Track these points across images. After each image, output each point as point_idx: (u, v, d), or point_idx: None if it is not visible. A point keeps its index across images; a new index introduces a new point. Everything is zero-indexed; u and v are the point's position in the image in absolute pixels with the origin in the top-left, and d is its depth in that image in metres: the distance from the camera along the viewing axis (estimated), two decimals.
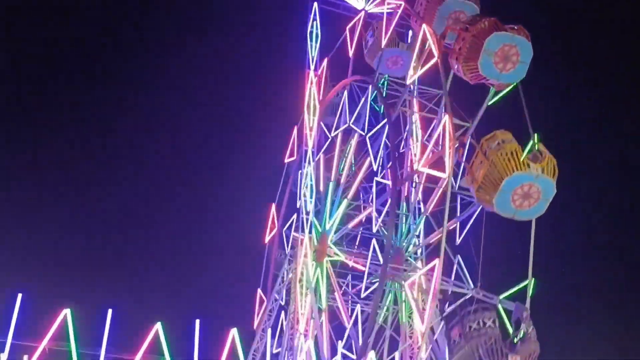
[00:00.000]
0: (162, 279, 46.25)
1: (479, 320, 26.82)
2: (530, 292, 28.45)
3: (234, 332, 19.05)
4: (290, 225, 38.73)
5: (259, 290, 40.17)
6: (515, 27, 28.75)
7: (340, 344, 21.30)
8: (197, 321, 18.68)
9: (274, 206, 41.27)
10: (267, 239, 41.15)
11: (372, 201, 36.55)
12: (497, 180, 27.91)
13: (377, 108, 36.45)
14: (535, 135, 28.88)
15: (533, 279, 28.80)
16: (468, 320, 26.66)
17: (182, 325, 20.45)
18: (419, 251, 34.38)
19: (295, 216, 38.10)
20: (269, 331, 24.06)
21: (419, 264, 34.13)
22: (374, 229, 35.11)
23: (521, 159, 27.47)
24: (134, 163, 52.04)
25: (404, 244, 34.34)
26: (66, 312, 17.22)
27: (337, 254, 34.96)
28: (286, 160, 41.43)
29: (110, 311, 17.84)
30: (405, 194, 35.35)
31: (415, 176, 33.77)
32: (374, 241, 34.83)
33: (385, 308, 32.85)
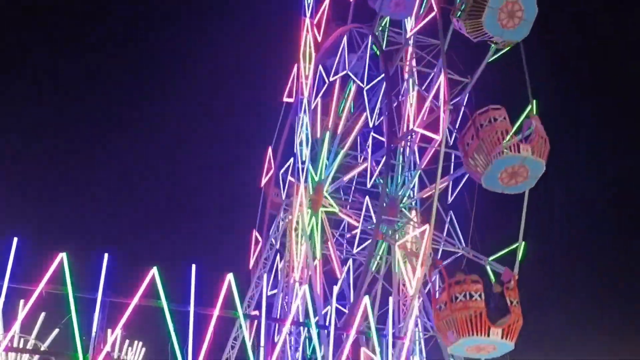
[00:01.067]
0: (158, 223, 46.38)
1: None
2: (519, 256, 28.74)
3: (230, 277, 19.11)
4: (287, 169, 38.74)
5: (255, 231, 40.38)
6: None
7: (335, 289, 21.33)
8: (193, 266, 18.73)
9: (270, 149, 41.23)
10: (263, 182, 41.21)
11: (368, 155, 36.61)
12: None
13: (376, 52, 36.04)
14: (534, 102, 28.89)
15: (523, 242, 29.05)
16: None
17: (178, 269, 20.52)
18: (413, 203, 34.51)
19: (292, 160, 38.06)
20: (265, 276, 24.13)
21: (412, 215, 34.30)
22: (369, 184, 35.23)
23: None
24: (130, 109, 51.76)
25: (399, 194, 34.45)
26: (62, 256, 17.22)
27: (331, 206, 35.11)
28: (284, 99, 41.15)
29: (106, 255, 17.86)
30: (401, 148, 35.31)
31: (410, 135, 33.90)
32: (367, 199, 34.98)
33: (378, 257, 33.10)
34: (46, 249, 18.92)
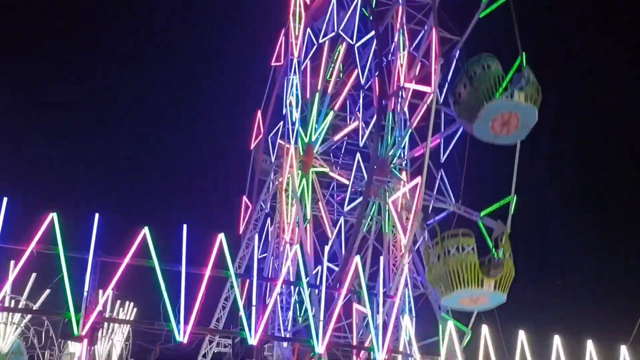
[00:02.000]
0: (148, 184, 46.24)
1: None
2: (512, 209, 28.83)
3: (221, 237, 19.12)
4: (277, 133, 38.63)
5: (244, 197, 40.38)
6: None
7: (326, 249, 21.41)
8: (185, 226, 18.72)
9: (259, 112, 41.05)
10: (252, 145, 41.09)
11: (359, 112, 36.48)
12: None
13: (366, 14, 35.75)
14: (523, 54, 28.69)
15: (515, 196, 29.11)
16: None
17: (169, 230, 20.51)
18: (404, 163, 34.51)
19: (281, 123, 37.92)
20: (256, 237, 24.18)
21: (403, 175, 34.33)
22: (361, 143, 35.16)
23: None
24: (121, 66, 51.20)
25: (389, 155, 34.41)
26: (52, 215, 17.14)
27: (322, 166, 35.09)
28: (273, 63, 40.84)
29: (97, 215, 17.80)
30: (392, 107, 35.16)
31: (402, 91, 33.71)
32: (358, 156, 34.95)
33: (369, 218, 33.20)
34: (36, 209, 18.83)
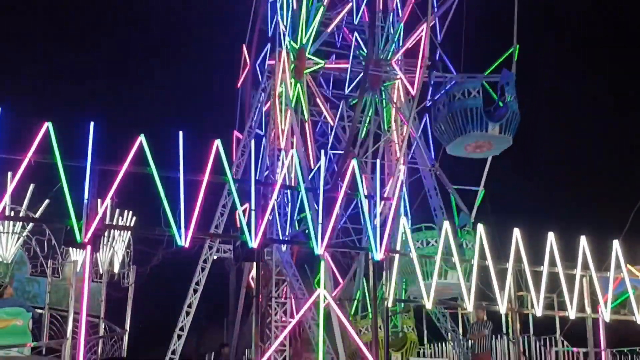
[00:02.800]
0: (143, 91, 45.84)
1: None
2: (515, 57, 28.85)
3: (217, 143, 19.11)
4: (264, 59, 38.14)
5: (235, 131, 40.21)
6: None
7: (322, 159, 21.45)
8: (181, 133, 18.67)
9: (244, 47, 40.43)
10: (239, 83, 40.54)
11: None
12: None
13: None
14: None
15: (517, 45, 29.02)
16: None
17: (164, 138, 20.46)
18: (398, 56, 34.26)
19: (268, 46, 37.38)
20: (252, 142, 24.19)
21: (398, 70, 34.16)
22: (356, 21, 34.78)
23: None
24: None
25: (384, 51, 34.17)
26: (47, 125, 17.03)
27: (316, 63, 34.84)
28: None
29: (92, 124, 17.69)
30: (380, 7, 34.60)
31: None
32: (355, 35, 34.65)
33: (367, 120, 33.30)
34: (31, 119, 18.70)
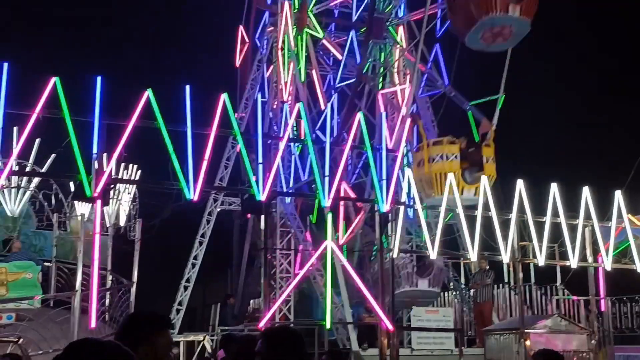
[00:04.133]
0: (148, 46, 45.50)
1: None
2: (499, 106, 28.97)
3: (224, 97, 19.16)
4: (262, 32, 37.75)
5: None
6: None
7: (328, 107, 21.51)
8: (187, 87, 18.71)
9: (241, 27, 39.90)
10: (238, 62, 40.05)
11: None
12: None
13: None
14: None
15: (504, 94, 29.10)
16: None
17: (170, 93, 20.50)
18: (401, 26, 34.12)
19: (266, 13, 36.97)
20: (259, 96, 24.18)
21: (400, 34, 34.00)
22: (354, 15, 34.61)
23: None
24: None
25: (386, 11, 33.90)
26: (55, 80, 17.04)
27: (315, 28, 34.66)
28: None
29: (99, 79, 17.71)
30: None
31: None
32: (352, 34, 34.51)
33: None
34: (37, 74, 18.69)
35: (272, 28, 36.13)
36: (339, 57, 34.96)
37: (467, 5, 26.91)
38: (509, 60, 29.03)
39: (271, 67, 36.29)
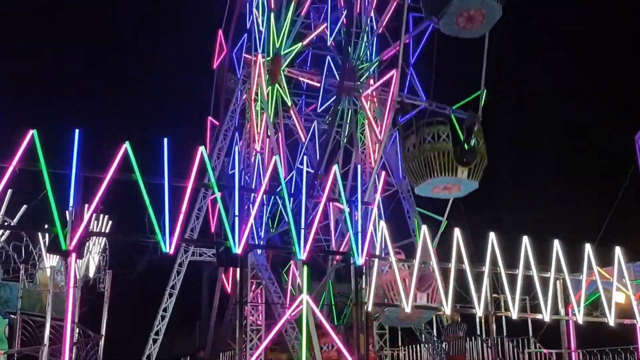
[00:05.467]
0: (126, 99, 45.53)
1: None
2: (482, 102, 29.55)
3: (202, 150, 19.20)
4: (240, 48, 38.18)
5: (210, 118, 40.16)
6: None
7: (305, 159, 21.66)
8: (165, 139, 18.72)
9: (220, 32, 40.39)
10: (215, 64, 40.49)
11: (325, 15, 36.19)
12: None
13: None
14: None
15: (485, 90, 29.74)
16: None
17: (146, 145, 20.47)
18: (373, 68, 34.62)
19: (245, 36, 37.44)
20: (237, 148, 24.26)
21: (372, 81, 34.53)
22: (329, 42, 35.12)
23: None
24: None
25: (358, 62, 34.44)
26: (32, 132, 16.93)
27: (291, 72, 35.04)
28: None
29: (77, 131, 17.63)
30: (358, 10, 34.95)
31: None
32: (328, 58, 35.00)
33: (346, 129, 33.57)
34: (12, 125, 18.57)
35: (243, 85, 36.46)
36: (317, 85, 35.21)
37: None
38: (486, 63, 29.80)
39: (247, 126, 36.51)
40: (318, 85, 35.09)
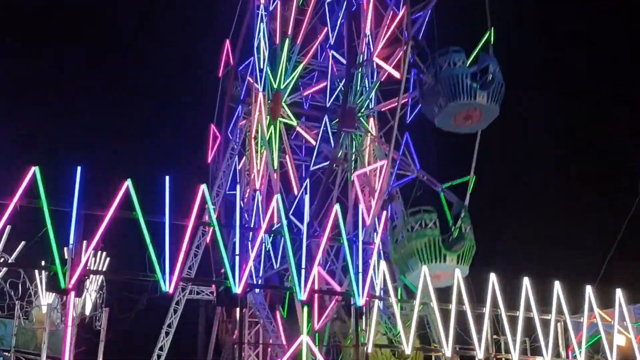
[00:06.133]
0: (129, 136, 45.65)
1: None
2: (470, 188, 29.84)
3: (203, 188, 19.13)
4: (247, 66, 38.18)
5: (213, 126, 40.10)
6: None
7: (306, 198, 21.61)
8: (167, 177, 18.67)
9: (228, 42, 40.45)
10: (221, 72, 40.43)
11: (328, 74, 36.53)
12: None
13: None
14: (492, 29, 29.05)
15: (474, 176, 30.09)
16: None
17: (150, 181, 20.44)
18: (371, 113, 34.87)
19: (252, 59, 37.51)
20: (238, 187, 24.23)
21: (370, 123, 34.72)
22: (327, 104, 35.43)
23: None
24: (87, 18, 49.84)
25: (357, 103, 34.64)
26: (35, 170, 16.89)
27: (289, 117, 35.23)
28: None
29: (79, 168, 17.59)
30: (362, 49, 35.15)
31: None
32: (325, 119, 35.23)
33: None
34: (14, 163, 18.54)
35: (244, 122, 36.54)
36: (313, 142, 35.44)
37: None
38: (479, 144, 30.00)
39: (243, 158, 36.55)
40: (313, 142, 35.50)
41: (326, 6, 35.84)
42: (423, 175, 32.11)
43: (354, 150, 34.67)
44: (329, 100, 36.19)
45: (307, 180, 33.38)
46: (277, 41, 36.48)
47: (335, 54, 36.33)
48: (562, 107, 45.40)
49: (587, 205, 41.82)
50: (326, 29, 36.29)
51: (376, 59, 32.82)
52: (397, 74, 30.77)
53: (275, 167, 34.78)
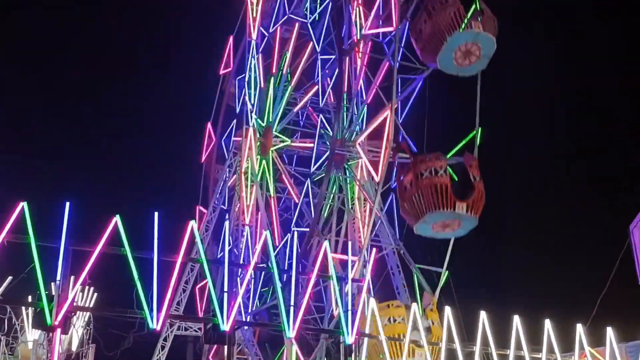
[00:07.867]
0: (118, 172, 45.68)
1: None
2: (477, 141, 29.54)
3: (192, 224, 19.06)
4: (230, 134, 38.60)
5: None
6: None
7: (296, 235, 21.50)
8: (156, 213, 18.58)
9: (209, 125, 40.88)
10: (203, 157, 40.74)
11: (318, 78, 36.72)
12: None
13: None
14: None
15: (480, 128, 29.80)
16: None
17: (139, 217, 20.33)
18: (361, 138, 34.92)
19: (234, 122, 37.89)
20: (227, 224, 24.12)
21: (361, 151, 34.80)
22: (321, 103, 35.55)
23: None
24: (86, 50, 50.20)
25: (346, 134, 34.76)
26: (23, 205, 16.79)
27: (282, 140, 35.28)
28: (221, 72, 40.82)
29: (68, 204, 17.50)
30: (345, 88, 35.30)
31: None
32: (320, 117, 35.33)
33: (330, 198, 33.51)
34: (2, 198, 18.44)
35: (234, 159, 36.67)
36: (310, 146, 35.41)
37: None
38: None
39: (234, 177, 36.66)
40: (310, 145, 35.53)
41: (309, 26, 36.36)
42: (401, 248, 31.66)
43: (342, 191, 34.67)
44: (322, 100, 36.41)
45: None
46: (263, 85, 36.81)
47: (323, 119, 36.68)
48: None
49: (579, 243, 41.93)
50: (310, 43, 36.77)
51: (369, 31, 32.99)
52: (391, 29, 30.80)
53: (272, 194, 34.90)
